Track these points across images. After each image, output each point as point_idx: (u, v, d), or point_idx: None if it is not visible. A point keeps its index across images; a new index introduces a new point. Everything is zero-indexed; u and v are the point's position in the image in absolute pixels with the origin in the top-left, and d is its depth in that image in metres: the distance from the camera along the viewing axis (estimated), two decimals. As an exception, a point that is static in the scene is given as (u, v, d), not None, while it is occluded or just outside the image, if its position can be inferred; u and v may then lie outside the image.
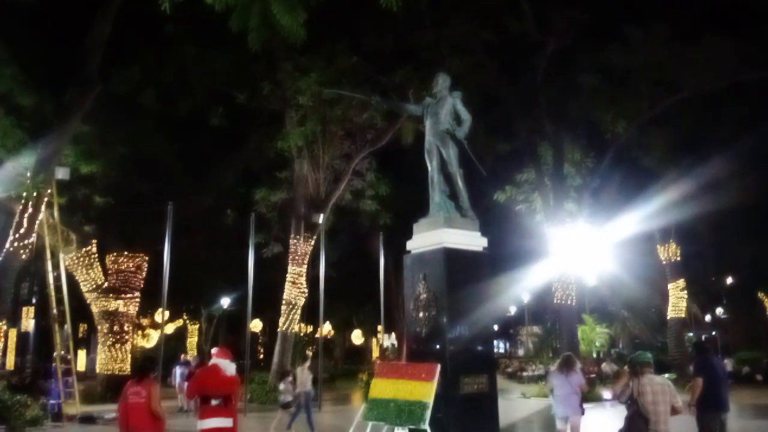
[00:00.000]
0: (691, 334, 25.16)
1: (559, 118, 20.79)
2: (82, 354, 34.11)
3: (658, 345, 25.33)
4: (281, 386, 12.51)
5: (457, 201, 10.47)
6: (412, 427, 8.74)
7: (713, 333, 33.47)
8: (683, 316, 25.23)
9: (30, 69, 16.33)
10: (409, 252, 10.53)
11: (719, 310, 35.90)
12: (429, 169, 10.64)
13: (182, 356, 21.11)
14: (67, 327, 16.51)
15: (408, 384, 9.00)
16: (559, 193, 20.57)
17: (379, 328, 23.87)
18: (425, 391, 8.68)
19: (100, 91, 16.58)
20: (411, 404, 8.73)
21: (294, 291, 20.75)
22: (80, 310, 21.32)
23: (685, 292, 25.19)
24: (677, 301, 25.02)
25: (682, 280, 25.09)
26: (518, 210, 22.63)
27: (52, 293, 15.65)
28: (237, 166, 23.23)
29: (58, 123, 16.19)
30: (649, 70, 18.65)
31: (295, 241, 20.89)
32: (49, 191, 15.79)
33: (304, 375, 12.62)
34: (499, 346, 52.28)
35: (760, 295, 31.07)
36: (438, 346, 9.37)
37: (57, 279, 15.92)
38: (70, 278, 18.64)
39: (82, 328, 32.11)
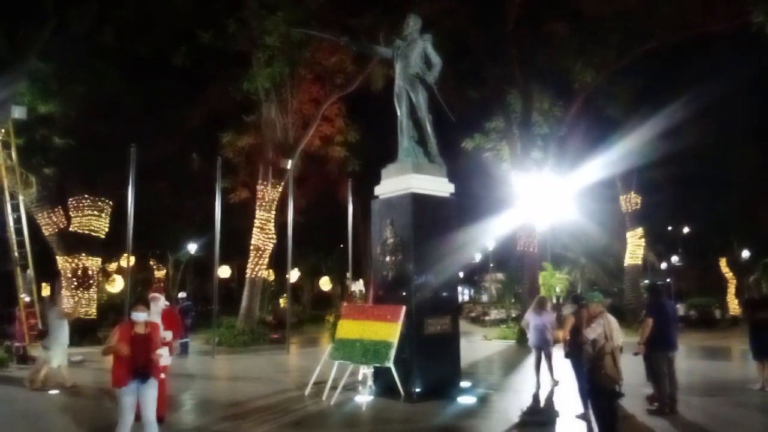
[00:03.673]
0: (647, 281, 26.17)
1: (529, 66, 20.75)
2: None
3: (614, 291, 26.39)
4: None
5: (425, 147, 10.56)
6: (377, 365, 9.07)
7: (668, 279, 34.90)
8: (639, 263, 26.20)
9: (-21, 2, 15.46)
10: (377, 197, 10.64)
11: (674, 258, 37.38)
12: (398, 114, 10.65)
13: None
14: (30, 271, 16.28)
15: (374, 325, 9.28)
16: (527, 142, 20.77)
17: (348, 274, 24.15)
18: (390, 331, 8.97)
19: (55, 28, 15.84)
20: (376, 344, 9.02)
21: (262, 237, 20.76)
22: (43, 253, 20.96)
23: (643, 240, 26.06)
24: (635, 248, 25.92)
25: (641, 228, 25.93)
26: (485, 158, 22.80)
27: (13, 236, 15.35)
28: (203, 108, 22.65)
29: (12, 60, 15.49)
30: (619, 19, 18.64)
31: (262, 186, 20.74)
32: (5, 131, 15.27)
33: None
34: (464, 293, 53.51)
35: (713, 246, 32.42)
36: (403, 289, 9.63)
37: (17, 222, 15.58)
38: (32, 221, 18.25)
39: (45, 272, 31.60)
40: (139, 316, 5.97)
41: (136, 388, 5.81)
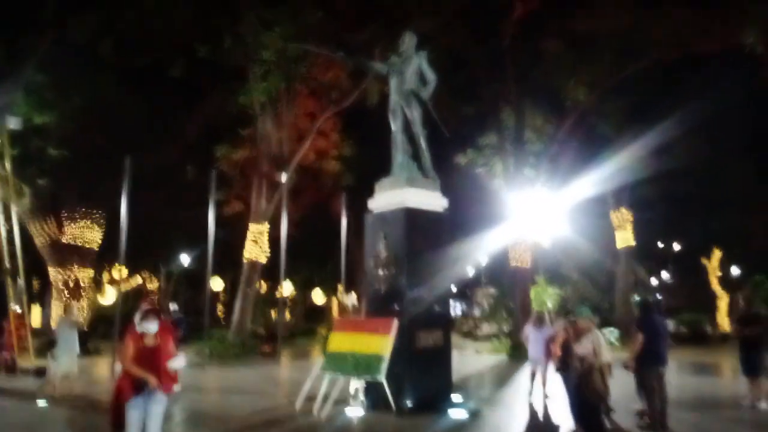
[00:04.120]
0: (637, 297, 26.24)
1: (523, 83, 20.98)
2: (36, 309, 33.45)
3: (606, 306, 26.43)
4: None
5: (419, 161, 10.66)
6: (368, 378, 9.07)
7: (658, 296, 35.03)
8: (632, 244, 26.10)
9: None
10: (370, 211, 10.70)
11: (665, 275, 37.51)
12: (392, 129, 10.75)
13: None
14: (21, 281, 16.21)
15: (365, 338, 9.29)
16: (519, 159, 20.91)
17: (340, 287, 24.14)
18: (382, 344, 8.99)
19: (54, 39, 15.94)
20: (368, 357, 9.03)
21: (255, 250, 20.76)
22: (34, 264, 20.88)
23: (630, 218, 26.01)
24: (622, 223, 25.82)
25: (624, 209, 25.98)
26: (478, 173, 22.94)
27: (5, 246, 15.31)
28: (198, 121, 22.78)
29: (9, 70, 15.57)
30: (613, 38, 18.92)
31: (257, 199, 20.79)
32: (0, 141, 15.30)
33: None
34: (456, 307, 53.41)
35: (703, 261, 32.58)
36: (396, 303, 9.66)
37: (9, 232, 15.54)
38: (24, 231, 18.20)
39: (36, 283, 31.44)
40: (151, 327, 5.64)
41: (142, 403, 5.54)
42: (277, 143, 21.07)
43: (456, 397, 9.88)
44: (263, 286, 28.13)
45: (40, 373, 13.92)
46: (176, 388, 5.96)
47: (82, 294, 20.43)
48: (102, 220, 20.70)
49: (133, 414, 5.53)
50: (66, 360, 10.88)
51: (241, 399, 11.22)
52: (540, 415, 9.42)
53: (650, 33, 18.61)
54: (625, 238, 26.06)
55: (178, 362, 5.78)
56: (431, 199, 10.40)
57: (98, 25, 18.12)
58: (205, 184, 18.66)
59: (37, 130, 18.18)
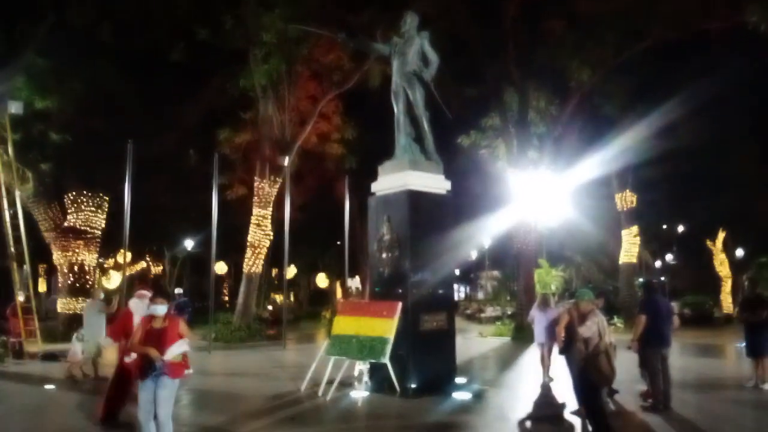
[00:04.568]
0: (641, 279, 26.28)
1: (526, 65, 20.79)
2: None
3: (609, 289, 26.54)
4: None
5: (422, 144, 10.59)
6: (373, 361, 9.12)
7: (662, 278, 35.04)
8: (635, 261, 26.38)
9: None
10: (373, 194, 10.67)
11: (669, 257, 37.52)
12: (395, 111, 10.67)
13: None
14: (26, 267, 16.29)
15: (370, 321, 9.31)
16: (523, 141, 20.79)
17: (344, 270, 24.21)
18: (386, 327, 9.01)
19: (53, 23, 15.83)
20: (372, 340, 9.06)
21: (259, 233, 20.79)
22: (39, 249, 20.97)
23: (638, 239, 26.25)
24: (630, 246, 26.06)
25: (636, 227, 26.14)
26: (482, 155, 22.83)
27: (9, 232, 15.35)
28: (200, 105, 22.65)
29: (9, 56, 15.49)
30: (616, 17, 18.70)
31: (260, 183, 20.76)
32: (1, 126, 15.27)
33: None
34: (460, 290, 53.63)
35: (708, 243, 32.55)
36: (400, 286, 9.67)
37: (14, 217, 15.58)
38: (28, 217, 18.25)
39: (42, 268, 31.64)
40: (158, 309, 5.56)
41: (152, 385, 5.47)
42: (279, 126, 20.98)
43: (460, 379, 9.93)
44: (268, 270, 28.22)
45: (47, 357, 14.11)
46: (187, 372, 5.90)
47: (87, 279, 20.51)
48: (106, 205, 20.71)
49: (141, 395, 5.54)
50: (91, 344, 11.00)
51: (246, 382, 11.30)
52: (545, 396, 9.47)
53: (653, 12, 18.39)
54: (630, 253, 26.23)
55: (176, 348, 5.54)
56: (434, 182, 10.35)
57: (97, 8, 17.96)
58: (207, 168, 18.61)
59: (39, 114, 18.14)
